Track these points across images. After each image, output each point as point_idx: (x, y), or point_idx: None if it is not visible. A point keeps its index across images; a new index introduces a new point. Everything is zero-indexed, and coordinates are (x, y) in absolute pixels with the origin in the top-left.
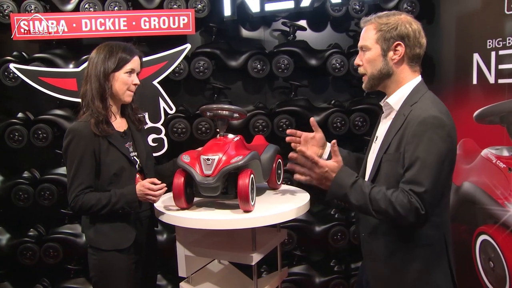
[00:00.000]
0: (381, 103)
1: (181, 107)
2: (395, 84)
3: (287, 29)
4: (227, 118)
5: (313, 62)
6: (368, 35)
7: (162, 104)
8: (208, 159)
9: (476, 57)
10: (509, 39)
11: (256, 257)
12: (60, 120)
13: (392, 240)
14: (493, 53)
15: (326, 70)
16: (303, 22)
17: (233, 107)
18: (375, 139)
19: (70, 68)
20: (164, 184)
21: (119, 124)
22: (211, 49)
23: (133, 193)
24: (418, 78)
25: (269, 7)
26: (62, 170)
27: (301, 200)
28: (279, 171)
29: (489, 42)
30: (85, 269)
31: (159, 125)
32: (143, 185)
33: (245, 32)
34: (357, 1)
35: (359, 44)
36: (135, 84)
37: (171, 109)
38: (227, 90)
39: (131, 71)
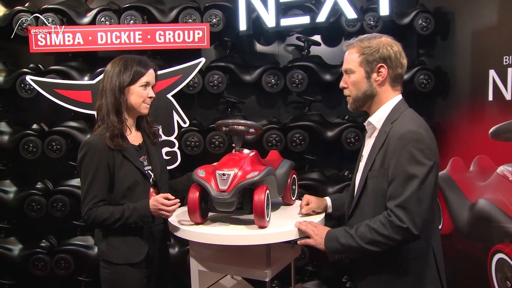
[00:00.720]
0: (365, 123)
1: (195, 120)
2: (376, 104)
3: (302, 44)
4: (243, 133)
5: (327, 77)
6: (352, 58)
7: (175, 117)
8: (223, 174)
9: (492, 73)
10: None
11: (270, 273)
12: (74, 132)
13: (381, 256)
14: (509, 70)
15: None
16: (317, 37)
17: (249, 122)
18: (360, 158)
19: (85, 81)
20: (178, 200)
21: (134, 137)
22: (226, 63)
23: (146, 207)
24: (398, 97)
25: (284, 22)
26: (75, 181)
27: (316, 216)
28: (294, 186)
29: (506, 58)
30: (96, 281)
31: (172, 138)
32: (157, 200)
33: (259, 47)
34: (372, 17)
35: (343, 67)
36: (150, 97)
37: (184, 122)
38: (241, 104)
39: (146, 84)
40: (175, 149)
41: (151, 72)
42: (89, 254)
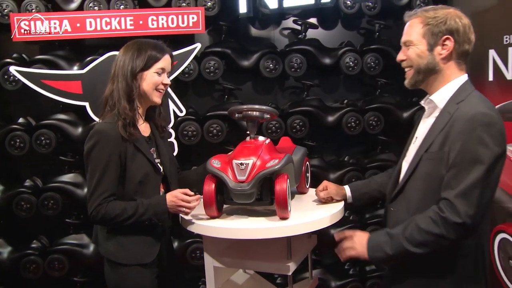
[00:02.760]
0: (422, 103)
1: (191, 109)
2: (439, 81)
3: (298, 27)
4: (257, 119)
5: (326, 60)
6: (414, 29)
7: (171, 106)
8: (241, 164)
9: (492, 53)
10: None
11: (292, 267)
12: (64, 125)
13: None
14: (510, 49)
15: (339, 68)
16: (313, 20)
17: (264, 107)
18: (414, 140)
19: (75, 70)
20: (199, 196)
21: (143, 128)
22: (222, 48)
23: (163, 204)
24: (464, 77)
25: (288, 3)
26: (67, 177)
27: (335, 205)
28: (307, 174)
29: (506, 38)
30: (92, 281)
31: (169, 128)
32: (176, 196)
33: (254, 31)
34: None
35: (403, 39)
36: (165, 84)
37: (181, 111)
38: (238, 91)
39: (161, 71)
40: (172, 139)
41: (166, 57)
42: (84, 253)
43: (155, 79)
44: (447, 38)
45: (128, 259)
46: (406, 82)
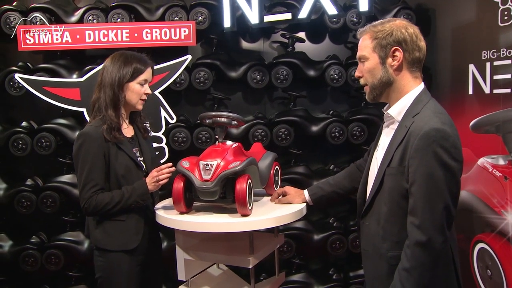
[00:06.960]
0: (384, 111)
1: (182, 116)
2: (396, 92)
3: (286, 40)
4: (226, 125)
5: (311, 73)
6: (365, 44)
7: (163, 113)
8: (207, 165)
9: (472, 68)
10: (503, 50)
11: (253, 261)
12: (63, 129)
13: (398, 256)
14: (488, 64)
15: (325, 81)
16: (301, 34)
17: (231, 114)
18: (377, 147)
19: (74, 78)
20: (170, 164)
21: (127, 130)
22: (212, 60)
23: (143, 184)
24: (420, 87)
25: (268, 18)
26: (65, 178)
27: (297, 206)
28: (277, 177)
29: (484, 53)
30: (86, 276)
31: (160, 134)
32: (151, 172)
33: (245, 44)
34: (354, 14)
35: (357, 55)
36: (147, 94)
37: (172, 118)
38: (227, 100)
39: (144, 82)
40: (163, 144)
41: (149, 70)
42: (79, 249)
43: (138, 89)
44: (396, 49)
45: (113, 245)
46: (366, 98)
